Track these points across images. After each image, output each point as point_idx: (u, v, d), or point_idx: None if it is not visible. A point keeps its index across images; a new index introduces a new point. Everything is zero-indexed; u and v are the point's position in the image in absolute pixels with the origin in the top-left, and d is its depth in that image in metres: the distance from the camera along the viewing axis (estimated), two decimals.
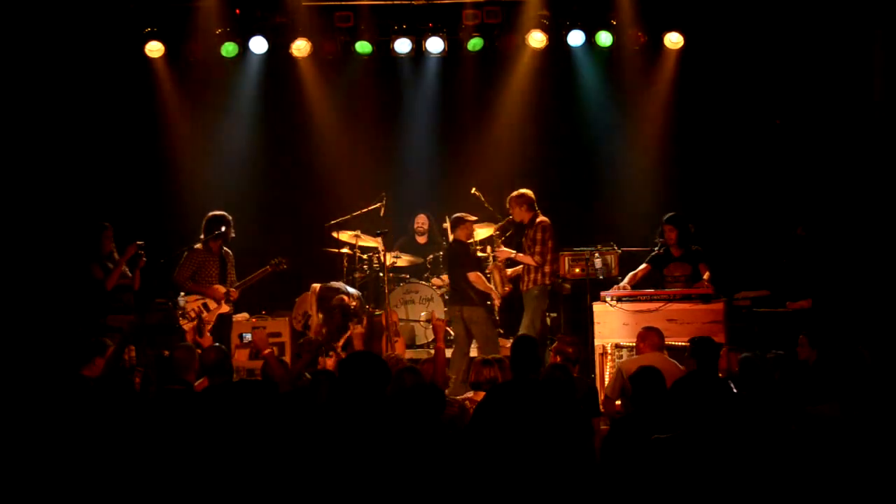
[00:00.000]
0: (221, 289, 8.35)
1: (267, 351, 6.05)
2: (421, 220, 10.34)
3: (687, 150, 10.05)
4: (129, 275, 7.99)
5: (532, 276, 8.51)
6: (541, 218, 8.58)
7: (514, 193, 8.64)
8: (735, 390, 3.94)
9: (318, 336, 7.32)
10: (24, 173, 9.13)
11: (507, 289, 8.80)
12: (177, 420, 4.02)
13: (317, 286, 8.59)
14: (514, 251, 8.69)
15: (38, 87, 9.16)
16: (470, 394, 5.71)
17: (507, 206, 8.69)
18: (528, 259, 8.53)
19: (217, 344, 6.49)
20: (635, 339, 6.91)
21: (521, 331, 8.42)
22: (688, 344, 6.38)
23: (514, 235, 9.05)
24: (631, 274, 8.40)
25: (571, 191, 10.32)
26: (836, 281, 8.28)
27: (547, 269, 8.48)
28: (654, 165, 10.20)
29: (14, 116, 9.07)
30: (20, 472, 3.84)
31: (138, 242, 7.98)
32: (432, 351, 8.42)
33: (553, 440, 3.84)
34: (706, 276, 8.21)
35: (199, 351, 6.12)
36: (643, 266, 8.46)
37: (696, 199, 9.62)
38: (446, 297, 9.65)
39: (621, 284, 8.29)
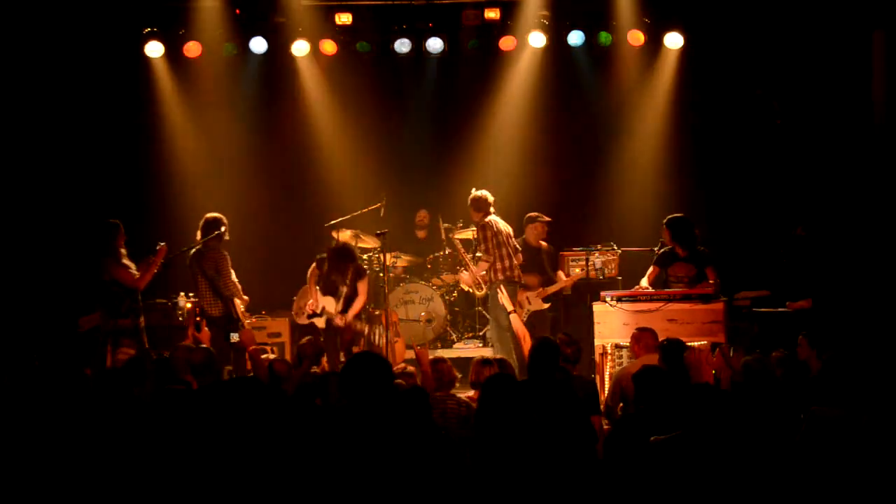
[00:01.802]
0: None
1: (252, 348, 6.06)
2: (422, 215, 10.38)
3: (687, 150, 10.05)
4: (136, 274, 7.91)
5: (487, 276, 8.52)
6: (486, 219, 8.53)
7: (469, 197, 8.68)
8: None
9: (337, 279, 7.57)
10: (22, 173, 9.14)
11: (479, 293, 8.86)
12: (177, 420, 4.02)
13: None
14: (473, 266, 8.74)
15: (37, 87, 9.17)
16: (471, 393, 5.72)
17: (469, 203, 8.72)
18: (473, 267, 8.65)
19: (204, 345, 6.49)
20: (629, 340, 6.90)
21: (490, 330, 8.58)
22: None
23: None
24: (644, 278, 8.42)
25: (571, 191, 10.32)
26: (836, 281, 8.28)
27: (498, 265, 8.41)
28: (653, 165, 10.21)
29: (13, 117, 9.08)
30: (22, 471, 3.84)
31: (163, 244, 7.89)
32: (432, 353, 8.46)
33: (554, 438, 3.85)
34: (712, 280, 8.22)
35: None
36: (651, 269, 8.47)
37: (697, 199, 9.62)
38: (446, 298, 9.67)
39: (642, 285, 8.32)
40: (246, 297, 8.29)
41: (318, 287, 8.46)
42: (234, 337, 7.94)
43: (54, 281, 8.86)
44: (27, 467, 3.82)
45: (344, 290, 8.40)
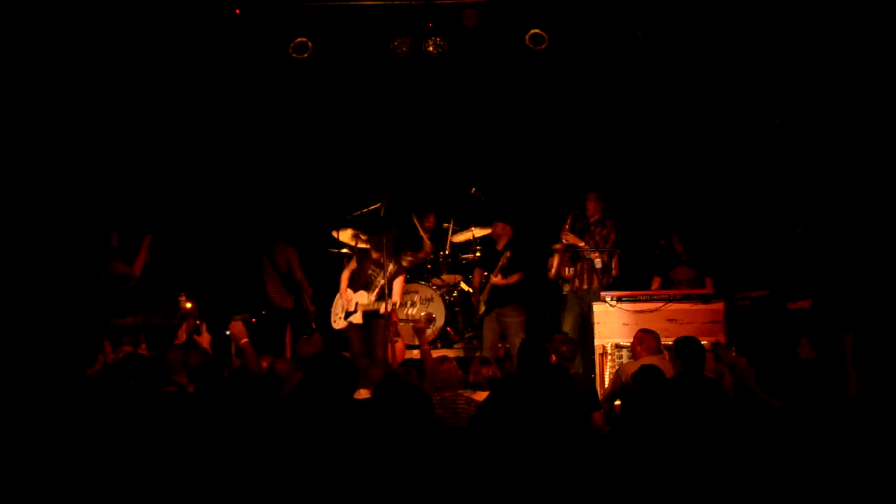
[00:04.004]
0: None
1: (244, 341, 6.04)
2: (431, 220, 10.29)
3: (687, 150, 10.05)
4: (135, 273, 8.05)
5: (602, 277, 8.43)
6: (612, 221, 8.54)
7: (596, 193, 8.68)
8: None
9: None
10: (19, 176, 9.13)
11: (555, 272, 8.61)
12: (170, 421, 4.02)
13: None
14: (583, 242, 8.55)
15: (37, 87, 9.15)
16: (468, 392, 5.73)
17: (587, 197, 8.65)
18: (595, 255, 8.44)
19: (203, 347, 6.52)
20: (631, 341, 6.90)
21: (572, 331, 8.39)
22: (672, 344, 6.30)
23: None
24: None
25: (572, 190, 10.31)
26: (836, 281, 8.28)
27: (614, 264, 8.44)
28: (654, 165, 10.20)
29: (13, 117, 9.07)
30: (21, 471, 3.85)
31: (148, 234, 8.11)
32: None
33: (554, 435, 3.86)
34: (710, 292, 8.26)
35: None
36: (655, 279, 8.60)
37: (697, 200, 9.62)
38: (446, 298, 9.66)
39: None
40: (310, 289, 8.78)
41: (349, 286, 8.46)
42: (228, 332, 8.06)
43: (51, 284, 8.86)
44: (23, 466, 3.82)
45: (381, 282, 8.24)
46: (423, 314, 9.47)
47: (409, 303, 8.49)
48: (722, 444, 3.84)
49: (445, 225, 9.89)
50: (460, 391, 5.81)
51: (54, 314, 8.37)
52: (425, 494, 3.50)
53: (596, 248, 8.45)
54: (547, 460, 3.73)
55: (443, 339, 9.67)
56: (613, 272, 8.42)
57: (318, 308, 9.22)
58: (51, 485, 3.77)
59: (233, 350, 8.48)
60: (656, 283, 8.65)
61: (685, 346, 5.76)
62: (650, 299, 7.94)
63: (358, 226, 9.45)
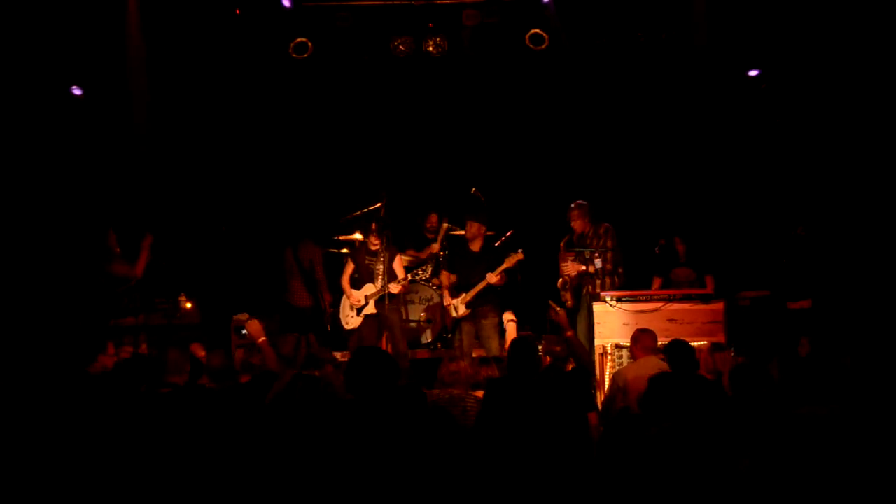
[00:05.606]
0: None
1: (261, 340, 6.03)
2: (433, 220, 10.27)
3: (687, 150, 10.05)
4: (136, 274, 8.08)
5: (606, 280, 8.38)
6: (606, 224, 8.40)
7: (577, 202, 8.45)
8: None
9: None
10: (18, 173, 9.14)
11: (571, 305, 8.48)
12: (164, 422, 4.02)
13: None
14: (583, 265, 8.32)
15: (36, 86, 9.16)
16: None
17: (569, 217, 8.44)
18: (595, 257, 8.30)
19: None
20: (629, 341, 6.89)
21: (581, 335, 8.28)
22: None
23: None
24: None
25: (571, 190, 10.32)
26: (836, 281, 8.28)
27: (620, 269, 8.34)
28: (654, 166, 10.20)
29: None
30: (19, 470, 3.85)
31: (148, 234, 8.12)
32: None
33: (551, 435, 3.86)
34: (710, 290, 8.24)
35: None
36: (655, 280, 8.59)
37: (696, 200, 9.61)
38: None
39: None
40: (329, 295, 8.86)
41: (351, 286, 8.53)
42: (244, 331, 8.11)
43: (51, 284, 8.88)
44: (22, 465, 3.83)
45: (381, 268, 8.32)
46: (422, 315, 9.45)
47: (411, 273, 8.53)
48: (720, 444, 3.83)
49: (445, 225, 9.89)
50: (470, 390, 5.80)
51: (52, 314, 8.38)
52: (421, 491, 3.51)
53: (599, 251, 8.30)
54: (539, 462, 3.73)
55: (443, 341, 9.66)
56: (619, 269, 8.31)
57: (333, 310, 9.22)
58: (48, 484, 3.78)
59: (233, 349, 8.52)
60: (657, 283, 8.66)
61: (673, 350, 5.80)
62: (650, 299, 7.92)
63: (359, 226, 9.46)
